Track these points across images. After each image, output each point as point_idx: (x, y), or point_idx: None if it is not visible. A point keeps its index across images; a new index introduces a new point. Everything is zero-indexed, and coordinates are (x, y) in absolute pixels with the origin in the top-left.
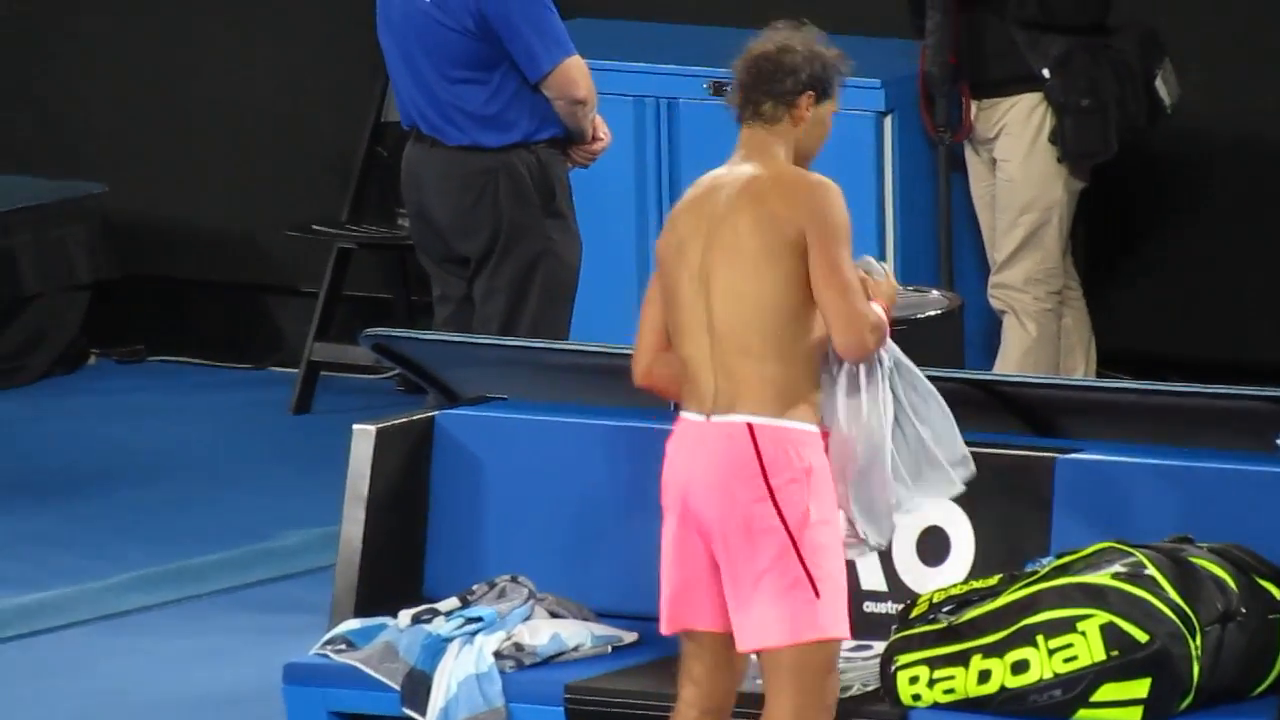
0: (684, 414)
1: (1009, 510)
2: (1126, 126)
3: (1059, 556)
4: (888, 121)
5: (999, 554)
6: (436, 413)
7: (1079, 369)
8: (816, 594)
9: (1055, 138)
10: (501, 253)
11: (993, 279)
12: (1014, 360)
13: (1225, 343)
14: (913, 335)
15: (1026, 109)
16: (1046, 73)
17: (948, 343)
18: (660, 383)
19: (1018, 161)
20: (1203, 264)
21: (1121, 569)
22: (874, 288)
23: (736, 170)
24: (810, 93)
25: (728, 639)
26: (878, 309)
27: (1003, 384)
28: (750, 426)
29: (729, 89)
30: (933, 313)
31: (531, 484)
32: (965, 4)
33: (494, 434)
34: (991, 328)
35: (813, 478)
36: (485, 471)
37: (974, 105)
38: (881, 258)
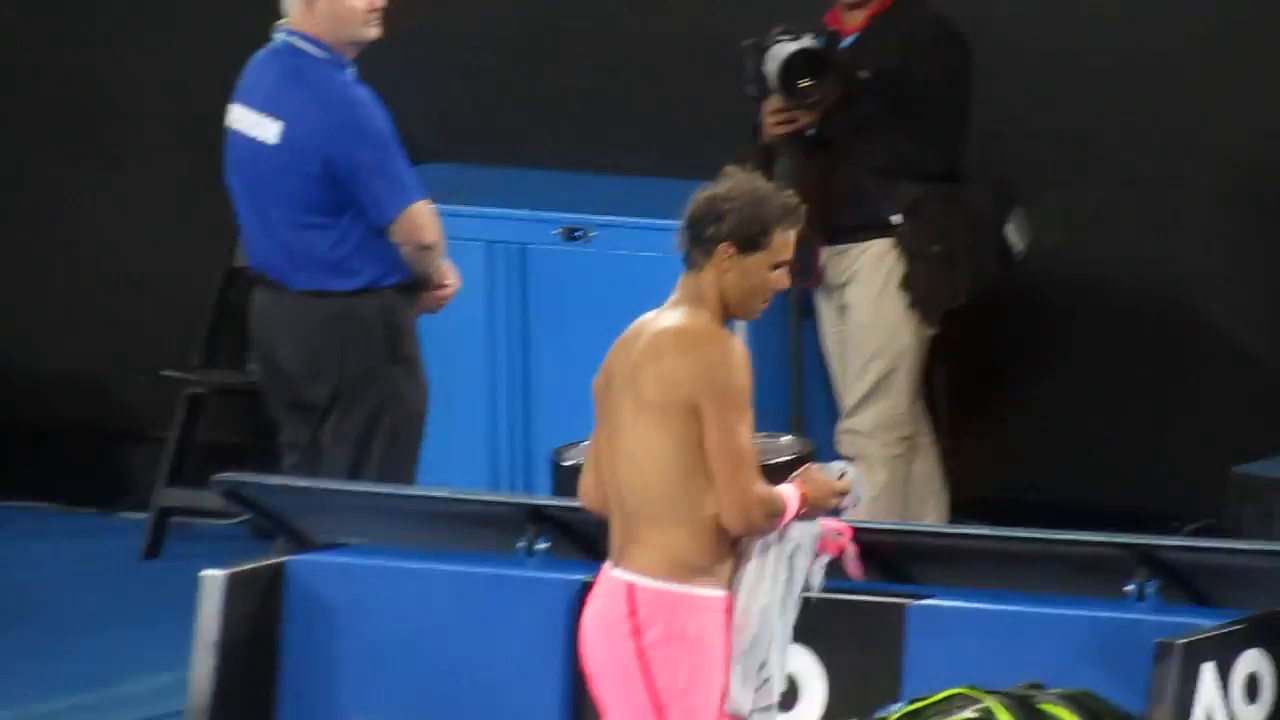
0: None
1: (860, 656)
2: (977, 273)
3: (910, 703)
4: None
5: (850, 700)
6: (287, 558)
7: (929, 516)
8: None
9: (906, 284)
10: (348, 399)
11: (841, 425)
12: (863, 507)
13: (1077, 488)
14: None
15: (877, 255)
16: (898, 219)
17: None
18: (596, 513)
19: (867, 307)
20: (1054, 410)
21: (972, 715)
22: (809, 475)
23: (659, 316)
24: (731, 243)
25: None
26: (784, 491)
27: (855, 530)
28: (631, 587)
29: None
30: (784, 458)
31: (382, 629)
32: (815, 150)
33: (344, 579)
34: None
35: (694, 645)
36: (336, 617)
37: (825, 251)
38: None
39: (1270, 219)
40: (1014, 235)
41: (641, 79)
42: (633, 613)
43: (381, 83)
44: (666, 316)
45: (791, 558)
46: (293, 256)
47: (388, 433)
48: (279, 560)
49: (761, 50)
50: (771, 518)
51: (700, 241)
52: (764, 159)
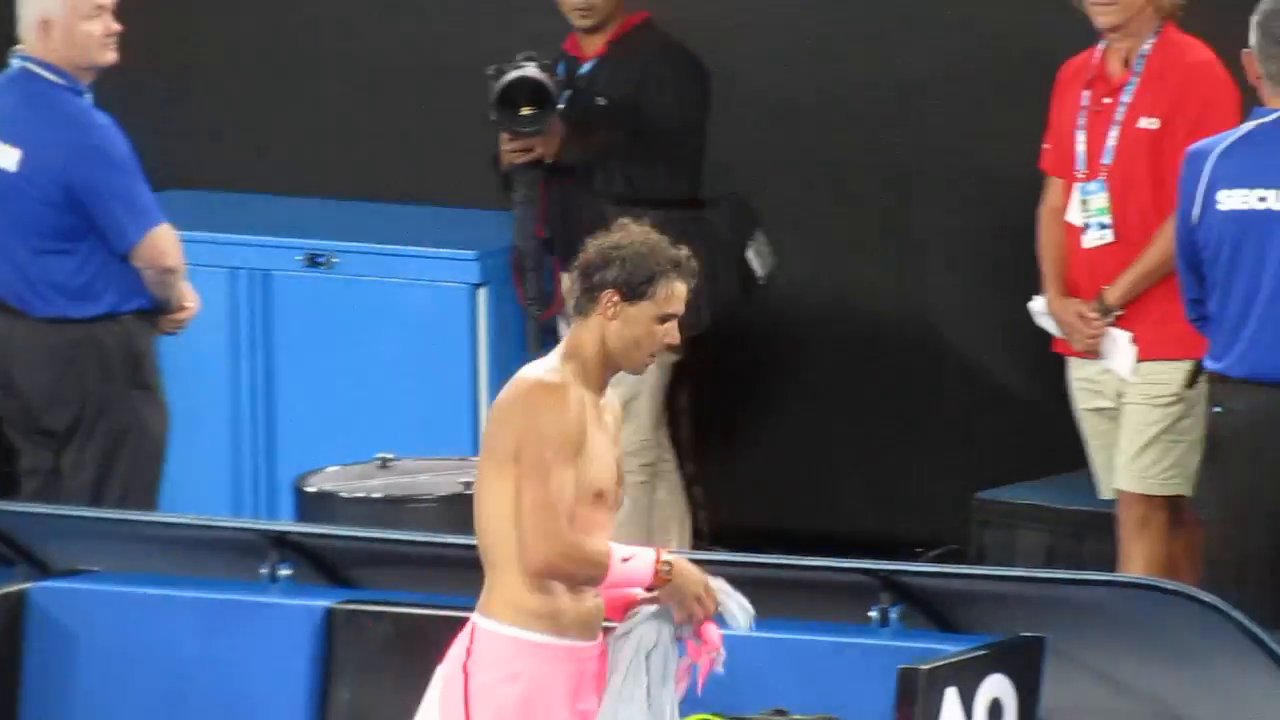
0: None
1: None
2: (719, 299)
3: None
4: (482, 294)
5: None
6: (28, 585)
7: (672, 543)
8: None
9: None
10: (88, 426)
11: None
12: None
13: (822, 515)
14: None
15: None
16: None
17: None
18: None
19: None
20: (799, 437)
21: None
22: (679, 562)
23: (525, 368)
24: (616, 290)
25: None
26: (613, 550)
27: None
28: (474, 626)
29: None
30: None
31: (125, 656)
32: (554, 178)
33: (86, 606)
34: None
35: (525, 689)
36: (78, 644)
37: (567, 278)
38: (475, 429)
39: (1009, 251)
40: (755, 260)
41: (386, 105)
42: (469, 651)
43: (122, 109)
44: (528, 366)
45: (648, 659)
46: (32, 283)
47: (129, 459)
48: (20, 587)
49: (501, 76)
50: (581, 564)
51: (588, 289)
52: (503, 186)
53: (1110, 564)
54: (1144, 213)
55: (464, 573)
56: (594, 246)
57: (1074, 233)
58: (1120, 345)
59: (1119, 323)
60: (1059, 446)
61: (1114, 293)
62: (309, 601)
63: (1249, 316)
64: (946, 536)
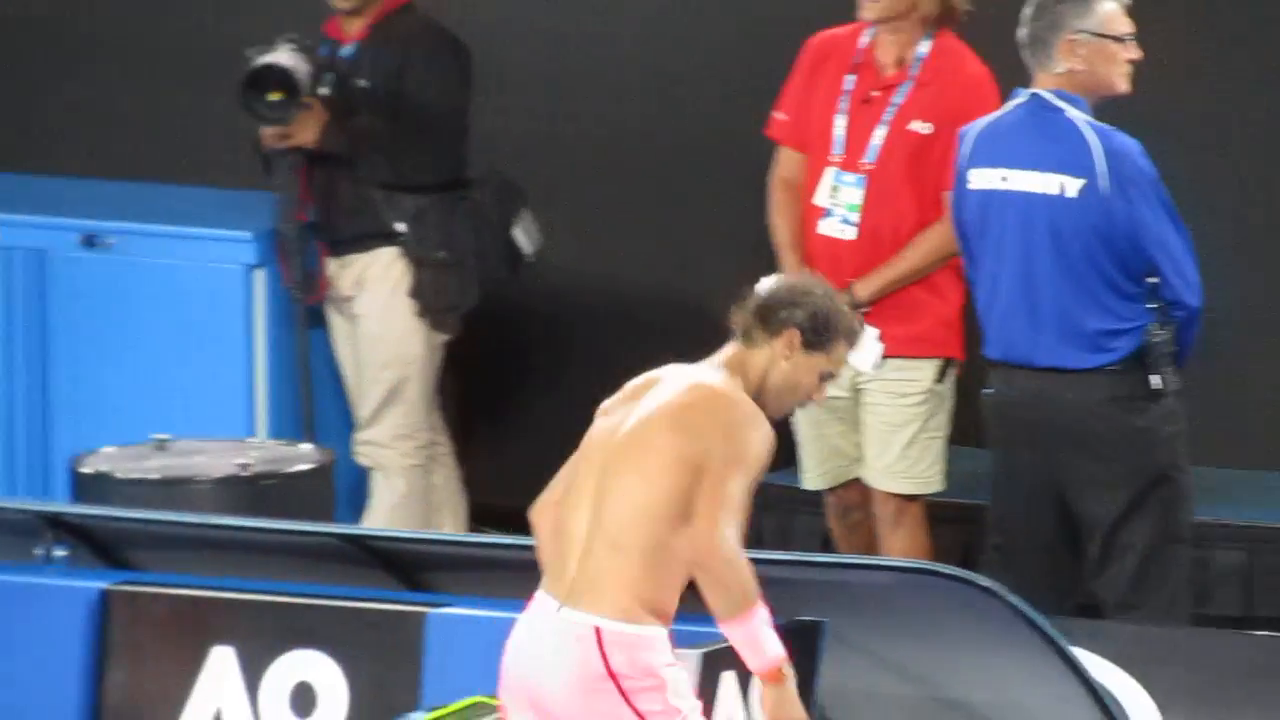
0: (541, 591)
1: (380, 664)
2: (486, 277)
3: (430, 711)
4: (258, 275)
5: (370, 708)
6: None
7: (447, 525)
8: None
9: (414, 292)
10: None
11: (358, 435)
12: (382, 517)
13: None
14: (284, 490)
15: (384, 265)
16: (402, 227)
17: (320, 497)
18: (537, 532)
19: (376, 318)
20: (571, 416)
21: None
22: (791, 691)
23: (697, 372)
24: (800, 333)
25: None
26: (764, 612)
27: (374, 539)
28: (598, 631)
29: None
30: (304, 467)
31: None
32: (317, 161)
33: None
34: (359, 483)
35: (665, 676)
36: None
37: (332, 263)
38: (251, 410)
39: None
40: (523, 238)
41: (161, 85)
42: (606, 663)
43: None
44: (706, 374)
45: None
46: None
47: None
48: None
49: (254, 61)
50: (743, 580)
51: (770, 321)
52: (268, 170)
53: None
54: (898, 216)
55: (240, 555)
56: (783, 282)
57: (813, 213)
58: (867, 341)
59: (865, 318)
60: None
61: (866, 290)
62: (84, 583)
63: (997, 298)
64: None
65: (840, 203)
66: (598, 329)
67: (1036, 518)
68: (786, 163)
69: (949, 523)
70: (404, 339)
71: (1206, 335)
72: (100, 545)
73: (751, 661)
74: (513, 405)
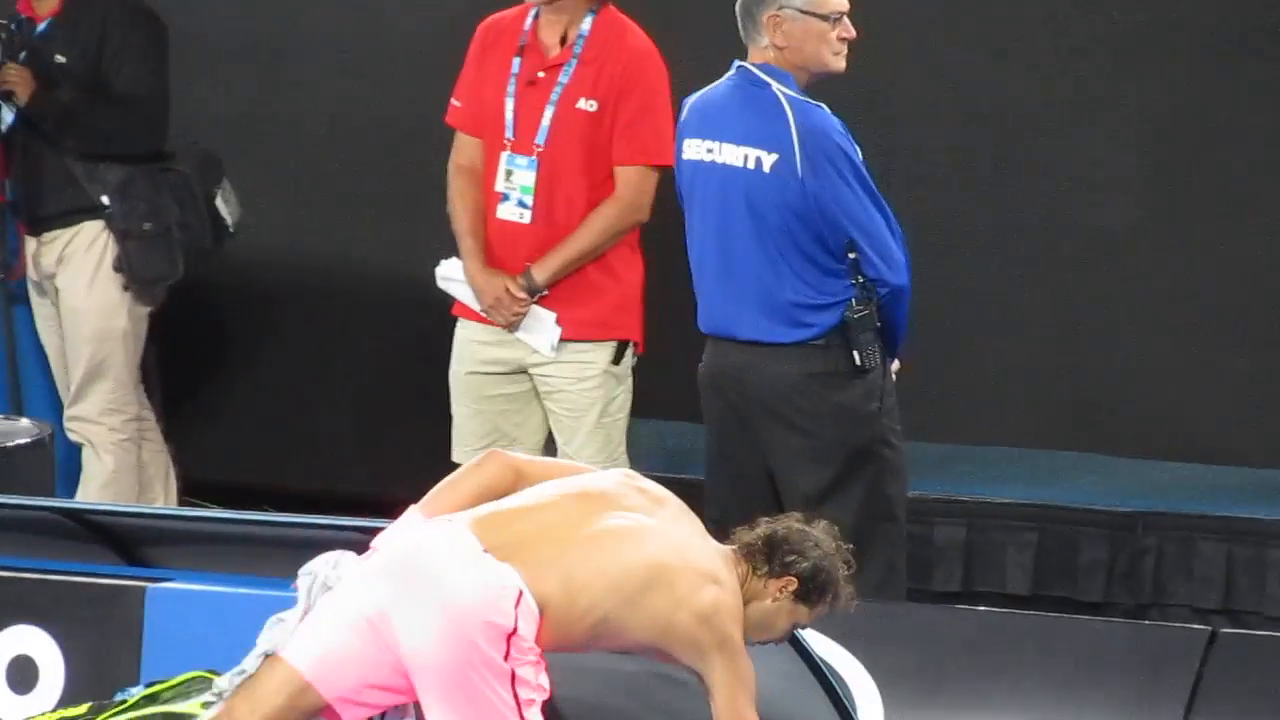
0: (446, 519)
1: (99, 638)
2: (191, 248)
3: (149, 685)
4: None
5: (89, 681)
6: None
7: (159, 499)
8: None
9: (119, 265)
10: None
11: (67, 412)
12: (94, 493)
13: (313, 472)
14: (4, 463)
15: (88, 239)
16: (106, 200)
17: (40, 470)
18: (475, 472)
19: (81, 292)
20: (278, 390)
21: (210, 698)
22: None
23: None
24: (797, 581)
25: None
26: None
27: (94, 513)
28: (520, 594)
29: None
30: (22, 441)
31: None
32: (15, 139)
33: None
34: (73, 460)
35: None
36: None
37: (33, 241)
38: None
39: None
40: (225, 208)
41: None
42: (516, 617)
43: None
44: (705, 559)
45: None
46: None
47: None
48: None
49: None
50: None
51: (774, 559)
52: None
53: None
54: (571, 196)
55: None
56: (795, 527)
57: (493, 198)
58: (545, 324)
59: (541, 301)
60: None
61: (542, 273)
62: None
63: (704, 271)
64: None
65: (515, 186)
66: (298, 303)
67: (748, 492)
68: (464, 148)
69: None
70: (108, 313)
71: (928, 308)
72: None
73: None
74: (216, 379)
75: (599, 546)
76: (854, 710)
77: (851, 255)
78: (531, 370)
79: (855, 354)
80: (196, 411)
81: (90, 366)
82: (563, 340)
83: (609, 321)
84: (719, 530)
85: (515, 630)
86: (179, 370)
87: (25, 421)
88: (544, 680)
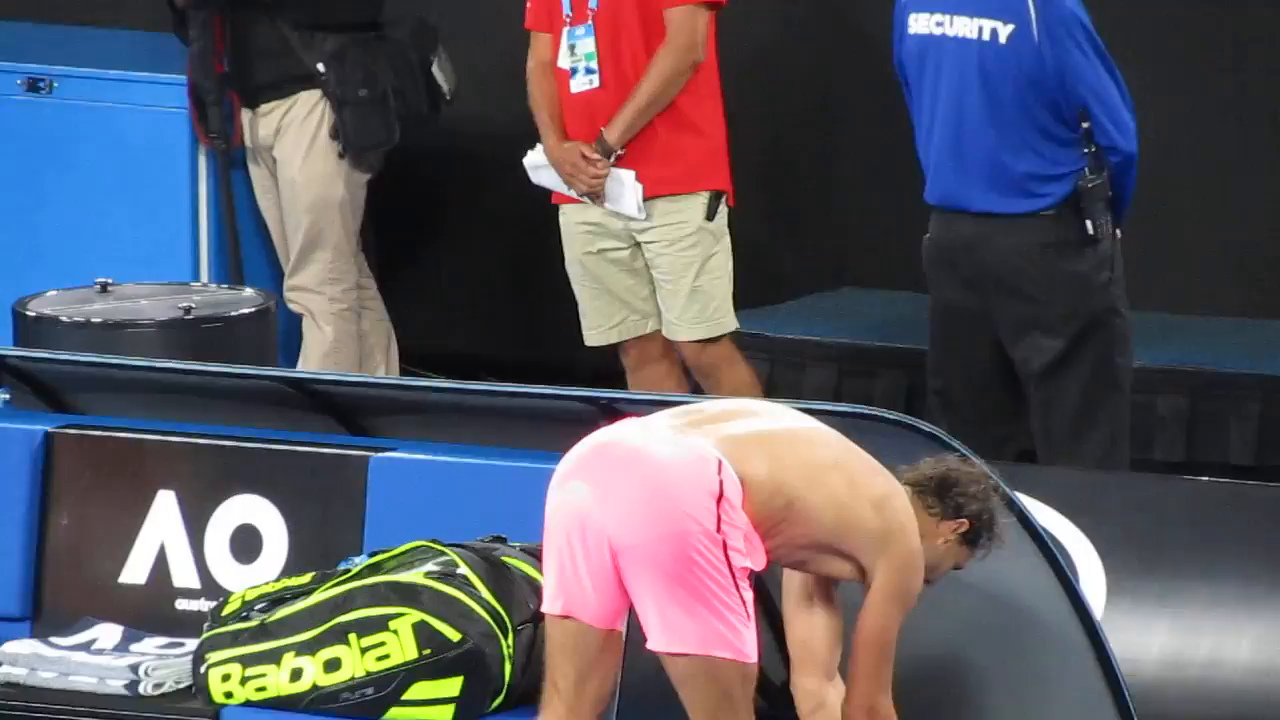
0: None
1: (322, 508)
2: (408, 115)
3: (372, 555)
4: None
5: (312, 552)
6: None
7: (380, 369)
8: None
9: (335, 133)
10: None
11: (287, 282)
12: (315, 363)
13: (533, 342)
14: (226, 334)
15: (304, 109)
16: (321, 69)
17: (262, 341)
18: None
19: (298, 162)
20: (492, 260)
21: (435, 568)
22: None
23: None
24: (969, 524)
25: None
26: None
27: (317, 382)
28: (720, 463)
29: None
30: (246, 310)
31: None
32: (230, 9)
33: None
34: (293, 330)
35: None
36: None
37: (249, 112)
38: (195, 253)
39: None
40: (441, 76)
41: None
42: (721, 481)
43: None
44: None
45: None
46: None
47: None
48: None
49: None
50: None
51: (947, 498)
52: (179, 24)
53: (830, 393)
54: (635, 54)
55: (182, 399)
56: (964, 468)
57: (563, 78)
58: (626, 184)
59: (621, 163)
60: (780, 274)
61: (612, 132)
62: (27, 426)
63: (932, 143)
64: None
65: (579, 57)
66: (515, 171)
67: (975, 363)
68: (537, 47)
69: (890, 367)
70: (326, 182)
71: (1156, 178)
72: (43, 388)
73: None
74: (432, 248)
75: (789, 437)
76: (1076, 580)
77: (1084, 124)
78: (637, 238)
79: (1088, 223)
80: (411, 280)
81: (309, 236)
82: (650, 199)
83: (695, 174)
84: (941, 401)
85: (722, 494)
86: (394, 239)
87: (248, 291)
88: (759, 554)
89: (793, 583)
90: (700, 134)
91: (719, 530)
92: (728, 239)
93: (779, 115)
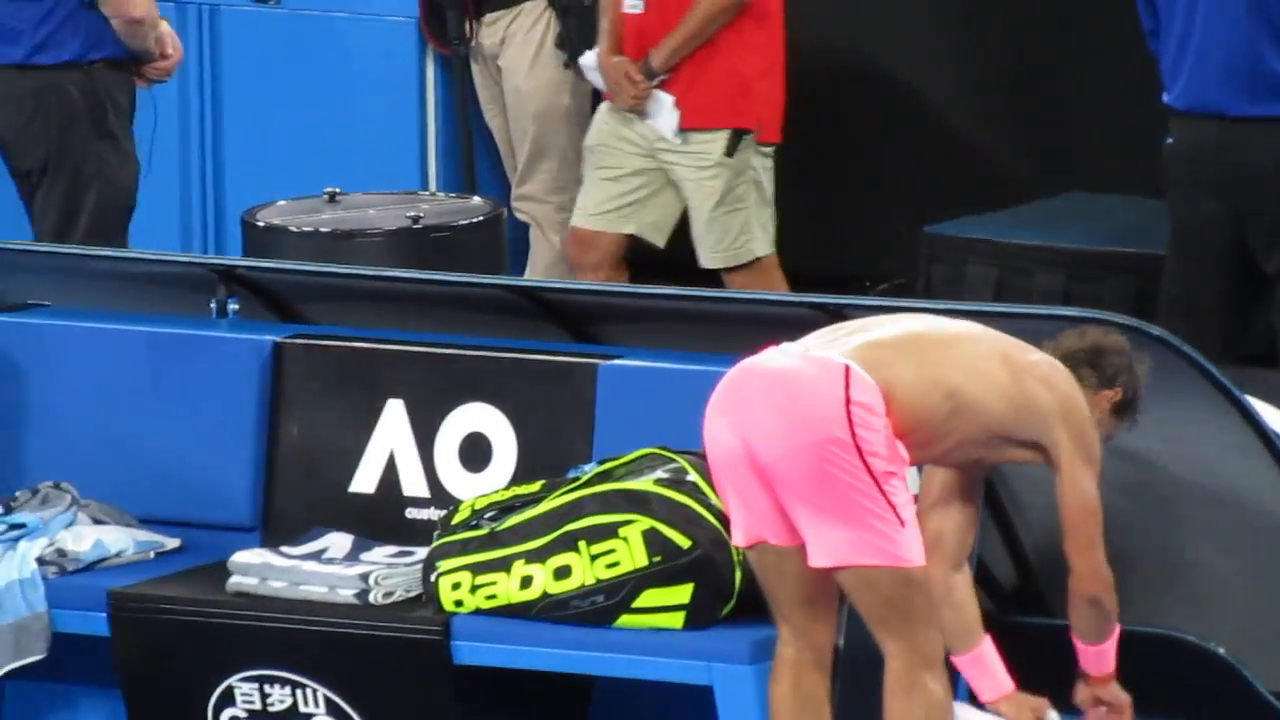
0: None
1: (551, 416)
2: None
3: (601, 463)
4: None
5: (542, 460)
6: None
7: None
8: None
9: (561, 42)
10: (54, 172)
11: (514, 191)
12: (541, 272)
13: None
14: (454, 242)
15: (530, 18)
16: None
17: (491, 249)
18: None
19: (524, 72)
20: None
21: (664, 475)
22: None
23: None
24: (1121, 394)
25: None
26: None
27: (545, 290)
28: (847, 370)
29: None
30: (474, 219)
31: (73, 391)
32: None
33: (34, 340)
34: (520, 239)
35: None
36: (26, 378)
37: (477, 22)
38: (423, 162)
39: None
40: None
41: None
42: (847, 387)
43: None
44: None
45: None
46: (1, 30)
47: (93, 208)
48: None
49: None
50: (1111, 595)
51: (1101, 368)
52: None
53: (1059, 298)
54: None
55: (410, 308)
56: (1115, 337)
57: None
58: (665, 107)
59: (664, 86)
60: (1008, 180)
61: (657, 57)
62: (256, 336)
63: (1188, 49)
64: (894, 271)
65: None
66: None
67: (1218, 268)
68: None
69: (1119, 272)
70: (552, 92)
71: None
72: (272, 298)
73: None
74: None
75: (935, 337)
76: None
77: None
78: (660, 156)
79: None
80: None
81: (535, 146)
82: (684, 129)
83: (723, 109)
84: (1178, 307)
85: (849, 400)
86: None
87: (476, 200)
88: (903, 450)
89: (933, 480)
90: (735, 73)
91: (853, 437)
92: (757, 173)
93: (1016, 23)
